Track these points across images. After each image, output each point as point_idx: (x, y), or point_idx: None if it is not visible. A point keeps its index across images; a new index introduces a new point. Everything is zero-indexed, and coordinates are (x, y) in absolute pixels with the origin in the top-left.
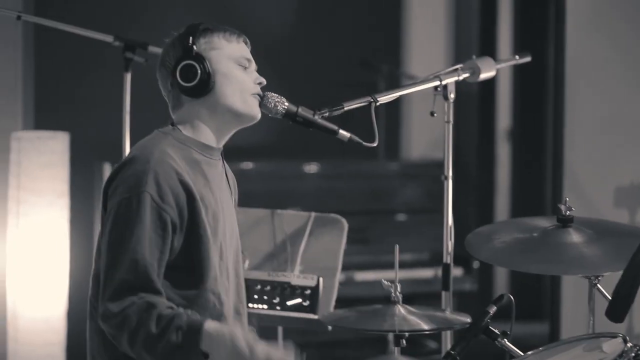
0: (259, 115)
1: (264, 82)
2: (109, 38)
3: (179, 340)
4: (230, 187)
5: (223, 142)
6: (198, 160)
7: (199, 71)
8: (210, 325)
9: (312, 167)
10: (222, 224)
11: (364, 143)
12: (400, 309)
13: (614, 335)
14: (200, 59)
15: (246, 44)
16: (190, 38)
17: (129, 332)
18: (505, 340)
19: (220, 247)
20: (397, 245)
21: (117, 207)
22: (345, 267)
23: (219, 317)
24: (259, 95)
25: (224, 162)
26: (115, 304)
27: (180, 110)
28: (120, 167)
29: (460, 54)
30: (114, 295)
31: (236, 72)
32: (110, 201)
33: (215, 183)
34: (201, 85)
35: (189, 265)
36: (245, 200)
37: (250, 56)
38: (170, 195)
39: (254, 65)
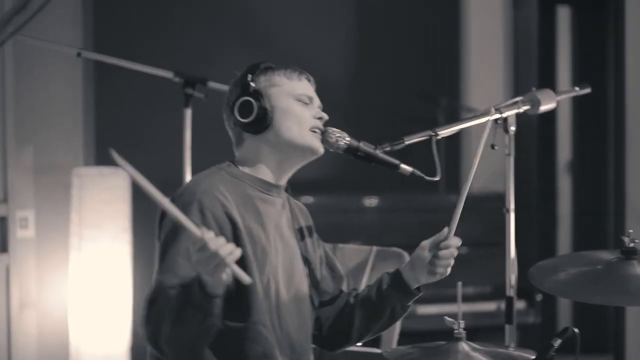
0: (321, 150)
1: (325, 117)
2: (169, 74)
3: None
4: (297, 225)
5: (284, 179)
6: (252, 195)
7: (256, 107)
8: None
9: (372, 201)
10: (272, 260)
11: (426, 177)
12: (464, 346)
13: None
14: (257, 95)
15: (309, 81)
16: (250, 76)
17: (161, 315)
18: None
19: (267, 283)
20: (460, 283)
21: (164, 237)
22: None
23: (272, 350)
24: (319, 129)
25: (289, 199)
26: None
27: (242, 147)
28: (170, 200)
29: (519, 86)
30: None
31: (295, 107)
32: (160, 236)
33: (269, 219)
34: (258, 121)
35: (235, 298)
36: None
37: (312, 93)
38: (213, 225)
39: (316, 102)
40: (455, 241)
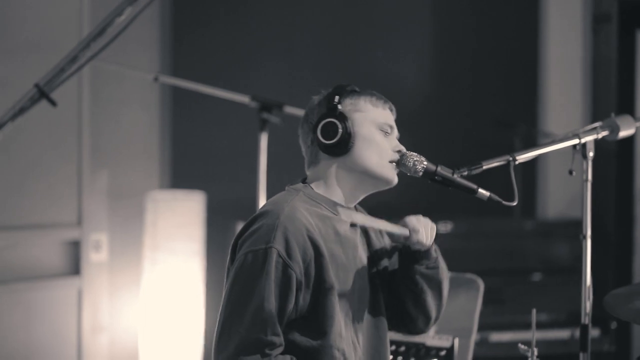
0: (395, 180)
1: (404, 150)
2: (245, 98)
3: None
4: (369, 244)
5: (354, 203)
6: (329, 216)
7: (340, 130)
8: None
9: (447, 226)
10: (353, 280)
11: (503, 202)
12: None
13: None
14: (343, 118)
15: (391, 110)
16: (337, 97)
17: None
18: None
19: (348, 303)
20: (534, 310)
21: (242, 259)
22: (481, 328)
23: None
24: (396, 162)
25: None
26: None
27: (316, 167)
28: (250, 221)
29: (597, 111)
30: (239, 350)
31: (377, 136)
32: (237, 254)
33: (347, 239)
34: (341, 144)
35: (315, 318)
36: None
37: (393, 123)
38: (297, 252)
39: (395, 133)
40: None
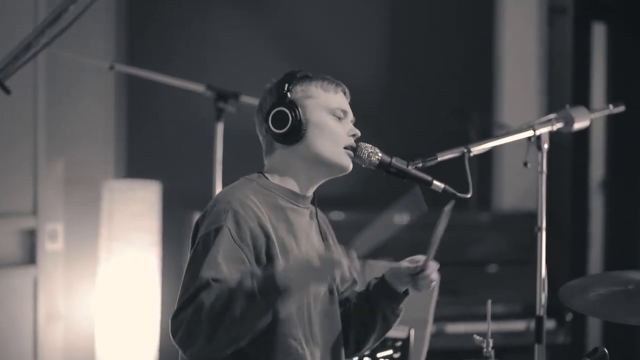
0: (349, 167)
1: (358, 134)
2: (201, 88)
3: (255, 285)
4: (323, 234)
5: (311, 191)
6: (283, 206)
7: (291, 118)
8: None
9: (403, 218)
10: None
11: (458, 194)
12: None
13: None
14: (293, 106)
15: (345, 94)
16: (286, 85)
17: (206, 314)
18: None
19: (307, 303)
20: (490, 300)
21: (196, 244)
22: (437, 319)
23: None
24: (351, 147)
25: (316, 208)
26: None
27: (272, 156)
28: (204, 213)
29: (552, 103)
30: (188, 299)
31: (330, 122)
32: (194, 244)
33: (300, 230)
34: (292, 132)
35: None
36: None
37: (346, 107)
38: (248, 236)
39: (350, 117)
40: (433, 268)
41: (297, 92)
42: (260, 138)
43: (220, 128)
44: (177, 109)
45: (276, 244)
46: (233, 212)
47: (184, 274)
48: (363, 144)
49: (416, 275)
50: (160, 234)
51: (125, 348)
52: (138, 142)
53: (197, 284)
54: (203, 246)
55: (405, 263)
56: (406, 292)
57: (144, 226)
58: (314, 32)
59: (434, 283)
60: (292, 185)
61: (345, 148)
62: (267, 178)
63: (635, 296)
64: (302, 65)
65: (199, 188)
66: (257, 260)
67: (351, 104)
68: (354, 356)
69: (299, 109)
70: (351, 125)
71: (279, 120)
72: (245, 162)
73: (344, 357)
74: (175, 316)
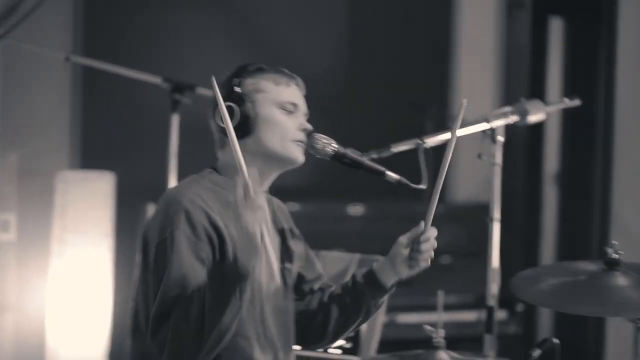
0: (300, 159)
1: (309, 128)
2: (157, 79)
3: (215, 284)
4: (279, 228)
5: (265, 186)
6: (234, 202)
7: (238, 114)
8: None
9: (357, 209)
10: (257, 267)
11: (412, 185)
12: (443, 355)
13: None
14: (241, 101)
15: (298, 86)
16: (235, 79)
17: (186, 330)
18: None
19: (252, 294)
20: (441, 291)
21: (154, 252)
22: (389, 309)
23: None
24: (301, 141)
25: (271, 199)
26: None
27: (224, 151)
28: (154, 213)
29: (509, 96)
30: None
31: (279, 117)
32: (148, 247)
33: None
34: (240, 127)
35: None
36: None
37: (298, 100)
38: (204, 234)
39: (302, 109)
40: (433, 232)
41: (248, 85)
42: (214, 133)
43: (175, 120)
44: (132, 101)
45: (228, 243)
46: (185, 213)
47: (153, 286)
48: (318, 135)
49: (417, 245)
50: (114, 224)
51: (77, 337)
52: (93, 133)
53: (167, 301)
54: (162, 255)
55: (402, 238)
56: (392, 286)
57: (97, 217)
58: (272, 23)
59: (432, 254)
60: None
61: (294, 142)
62: (218, 173)
63: (586, 287)
64: (259, 56)
65: (153, 179)
66: (213, 255)
67: (308, 96)
68: (328, 345)
69: (248, 104)
70: (302, 119)
71: (228, 114)
72: (200, 153)
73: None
74: (154, 336)
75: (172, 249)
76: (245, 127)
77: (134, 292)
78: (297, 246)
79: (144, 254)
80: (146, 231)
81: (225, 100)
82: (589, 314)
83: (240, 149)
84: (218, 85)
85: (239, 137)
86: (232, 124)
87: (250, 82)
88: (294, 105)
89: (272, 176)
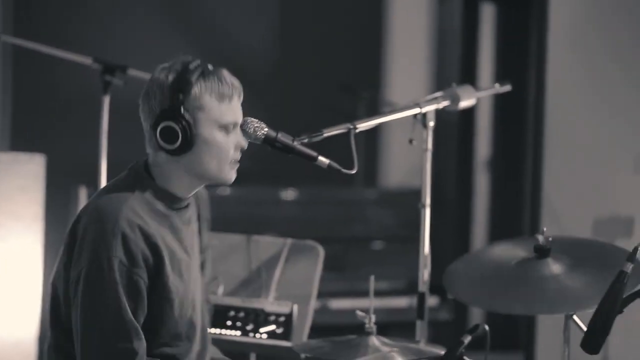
0: (231, 181)
1: (245, 146)
2: (87, 60)
3: None
4: (202, 220)
5: (192, 193)
6: (167, 214)
7: (180, 138)
8: None
9: (289, 194)
10: (192, 281)
11: (342, 170)
12: (375, 340)
13: None
14: (184, 123)
15: (239, 97)
16: (181, 95)
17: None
18: None
19: (186, 308)
20: (372, 276)
21: (86, 270)
22: (321, 295)
23: None
24: (237, 160)
25: (196, 195)
26: None
27: (156, 155)
28: (89, 220)
29: (440, 81)
30: None
31: (218, 138)
32: (78, 258)
33: (185, 233)
34: (179, 149)
35: (154, 324)
36: (221, 225)
37: (238, 117)
38: (140, 259)
39: (239, 122)
40: None
41: (191, 100)
42: (144, 126)
43: (106, 101)
44: (63, 82)
45: (165, 259)
46: (122, 237)
47: (77, 302)
48: (249, 119)
49: None
50: (45, 207)
51: (7, 321)
52: (22, 114)
53: (107, 356)
54: (97, 280)
55: None
56: None
57: (27, 200)
58: (204, 3)
59: None
60: (175, 188)
61: (230, 163)
62: (152, 179)
63: (517, 279)
64: (192, 39)
65: (84, 161)
66: (150, 277)
67: (240, 80)
68: None
69: (190, 122)
70: (239, 137)
71: (168, 133)
72: (131, 135)
73: None
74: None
75: (109, 276)
76: (183, 149)
77: (53, 278)
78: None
79: (70, 249)
80: (78, 231)
81: (165, 118)
82: (523, 313)
83: (172, 164)
84: (160, 84)
85: (174, 154)
86: (172, 145)
87: (193, 97)
88: (235, 124)
89: (199, 188)
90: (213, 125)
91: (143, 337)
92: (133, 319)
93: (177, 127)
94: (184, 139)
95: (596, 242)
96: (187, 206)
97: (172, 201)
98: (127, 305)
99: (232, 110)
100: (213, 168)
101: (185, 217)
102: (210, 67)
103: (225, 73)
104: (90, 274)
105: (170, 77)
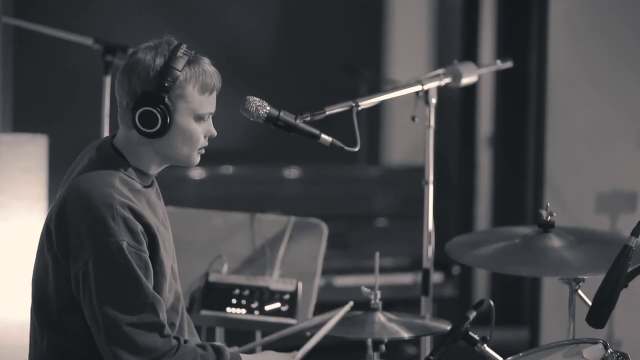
0: (196, 164)
1: (214, 135)
2: (88, 41)
3: None
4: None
5: (157, 172)
6: (142, 190)
7: (159, 124)
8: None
9: (292, 172)
10: (170, 245)
11: (345, 147)
12: (380, 316)
13: (594, 342)
14: (165, 110)
15: (217, 89)
16: (166, 83)
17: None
18: (485, 345)
19: (174, 270)
20: (378, 253)
21: (95, 259)
22: (325, 272)
23: None
24: (204, 148)
25: (158, 191)
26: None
27: (127, 132)
28: (77, 208)
29: (442, 58)
30: (139, 338)
31: (193, 127)
32: (78, 250)
33: (158, 210)
34: (154, 134)
35: None
36: (225, 204)
37: (214, 108)
38: (141, 236)
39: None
40: None
41: (174, 89)
42: (118, 100)
43: (107, 81)
44: (64, 62)
45: (157, 235)
46: (123, 219)
47: (92, 289)
48: (251, 98)
49: None
50: (47, 188)
51: (9, 300)
52: (24, 95)
53: (137, 332)
54: (112, 261)
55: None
56: None
57: (30, 180)
58: None
59: None
60: (145, 167)
61: (198, 150)
62: (125, 159)
63: (520, 248)
64: (189, 21)
65: (87, 141)
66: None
67: (240, 59)
68: None
69: (170, 110)
70: (210, 125)
71: (146, 117)
72: None
73: None
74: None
75: (123, 257)
76: (158, 132)
77: (35, 277)
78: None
79: (59, 242)
80: (65, 223)
81: (147, 102)
82: (522, 274)
83: (144, 144)
84: (144, 62)
85: (147, 136)
86: (149, 129)
87: (176, 86)
88: (209, 114)
89: (166, 166)
90: (190, 114)
91: (164, 308)
92: (155, 292)
93: (157, 113)
94: (162, 126)
95: (601, 230)
96: (153, 182)
97: (144, 179)
98: (146, 280)
99: (211, 102)
100: (183, 153)
101: (156, 192)
102: (194, 54)
103: (208, 63)
104: (100, 260)
105: (158, 61)
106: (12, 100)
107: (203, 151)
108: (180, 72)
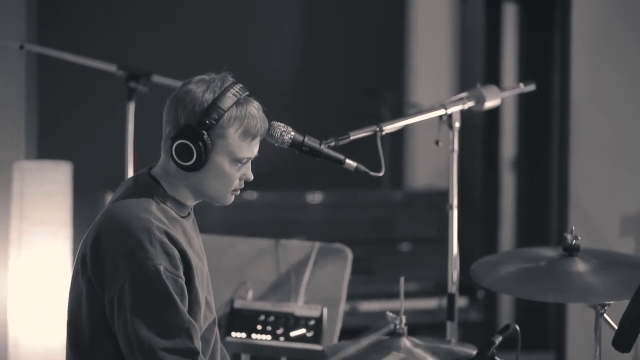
0: (229, 204)
1: (250, 179)
2: (112, 67)
3: None
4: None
5: (195, 203)
6: (178, 220)
7: (194, 159)
8: None
9: (316, 197)
10: (206, 277)
11: (370, 172)
12: (406, 342)
13: None
14: (203, 146)
15: (262, 135)
16: (209, 121)
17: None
18: None
19: (209, 302)
20: (403, 278)
21: (131, 282)
22: (350, 297)
23: None
24: (239, 190)
25: (194, 222)
26: None
27: (167, 163)
28: (113, 233)
29: (464, 82)
30: None
31: (228, 169)
32: (113, 275)
33: (192, 239)
34: (188, 167)
35: None
36: (249, 230)
37: (254, 153)
38: (178, 262)
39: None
40: None
41: (216, 128)
42: (164, 125)
43: (131, 108)
44: (88, 89)
45: (192, 264)
46: (160, 244)
47: (126, 313)
48: (276, 123)
49: None
50: (72, 214)
51: (37, 328)
52: (49, 122)
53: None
54: (148, 286)
55: None
56: None
57: (55, 207)
58: (229, 12)
59: None
60: (181, 196)
61: (232, 192)
62: (162, 188)
63: (545, 273)
64: (213, 49)
65: (110, 168)
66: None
67: (264, 84)
68: None
69: (207, 145)
70: (248, 169)
71: (183, 149)
72: (156, 141)
73: None
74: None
75: (159, 282)
76: (192, 166)
77: (70, 304)
78: None
79: (94, 267)
80: (100, 248)
81: (185, 134)
82: (548, 300)
83: (180, 175)
84: (192, 97)
85: (181, 168)
86: (185, 162)
87: (219, 125)
88: (248, 159)
89: (199, 200)
90: (228, 155)
91: (199, 335)
92: (190, 318)
93: (194, 148)
94: (197, 161)
95: (626, 254)
96: (189, 213)
97: (181, 209)
98: (182, 305)
99: (251, 147)
100: (215, 192)
101: (192, 223)
102: (245, 95)
103: (257, 107)
104: (137, 284)
105: (207, 96)
106: (37, 127)
107: (238, 192)
108: (225, 112)
